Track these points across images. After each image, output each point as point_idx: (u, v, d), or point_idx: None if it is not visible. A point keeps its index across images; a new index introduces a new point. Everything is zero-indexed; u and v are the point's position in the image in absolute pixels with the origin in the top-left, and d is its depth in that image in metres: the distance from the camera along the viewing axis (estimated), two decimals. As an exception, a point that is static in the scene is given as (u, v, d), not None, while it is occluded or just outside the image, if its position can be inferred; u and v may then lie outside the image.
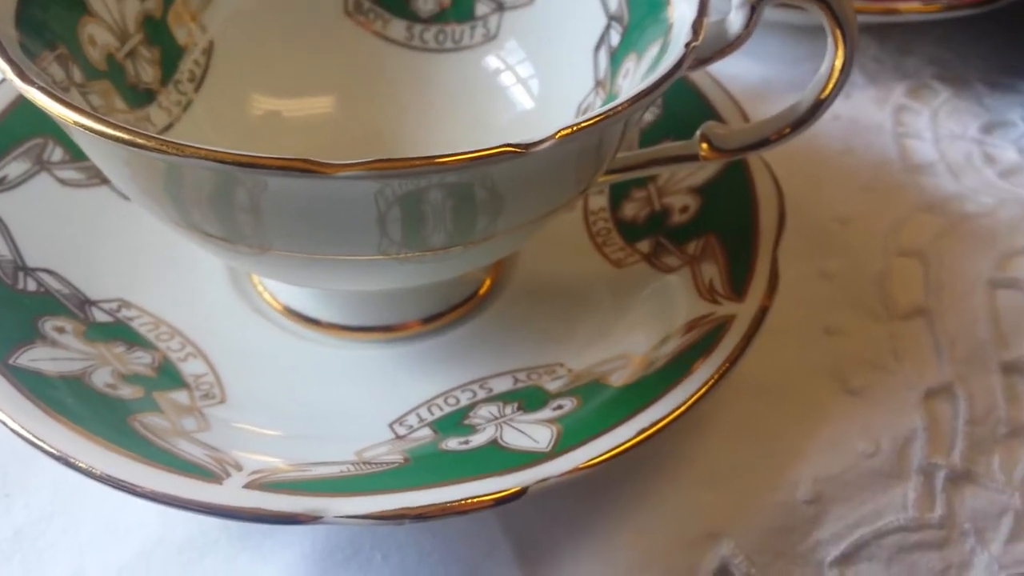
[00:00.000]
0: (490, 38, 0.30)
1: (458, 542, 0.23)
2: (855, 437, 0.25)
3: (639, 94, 0.20)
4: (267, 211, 0.19)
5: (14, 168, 0.27)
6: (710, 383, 0.23)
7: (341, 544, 0.23)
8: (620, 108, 0.19)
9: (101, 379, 0.23)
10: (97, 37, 0.25)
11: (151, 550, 0.23)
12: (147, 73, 0.26)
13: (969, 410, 0.26)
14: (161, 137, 0.17)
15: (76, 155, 0.29)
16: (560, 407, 0.23)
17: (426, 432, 0.24)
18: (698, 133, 0.26)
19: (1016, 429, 0.26)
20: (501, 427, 0.23)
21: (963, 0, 0.35)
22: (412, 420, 0.24)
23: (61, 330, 0.24)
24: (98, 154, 0.21)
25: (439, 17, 0.30)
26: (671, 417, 0.22)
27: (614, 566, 0.23)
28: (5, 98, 0.28)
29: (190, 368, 0.25)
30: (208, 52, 0.28)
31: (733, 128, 0.26)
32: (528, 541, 0.23)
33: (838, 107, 0.34)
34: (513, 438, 0.22)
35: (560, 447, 0.21)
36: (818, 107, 0.24)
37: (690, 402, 0.22)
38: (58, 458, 0.20)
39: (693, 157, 0.26)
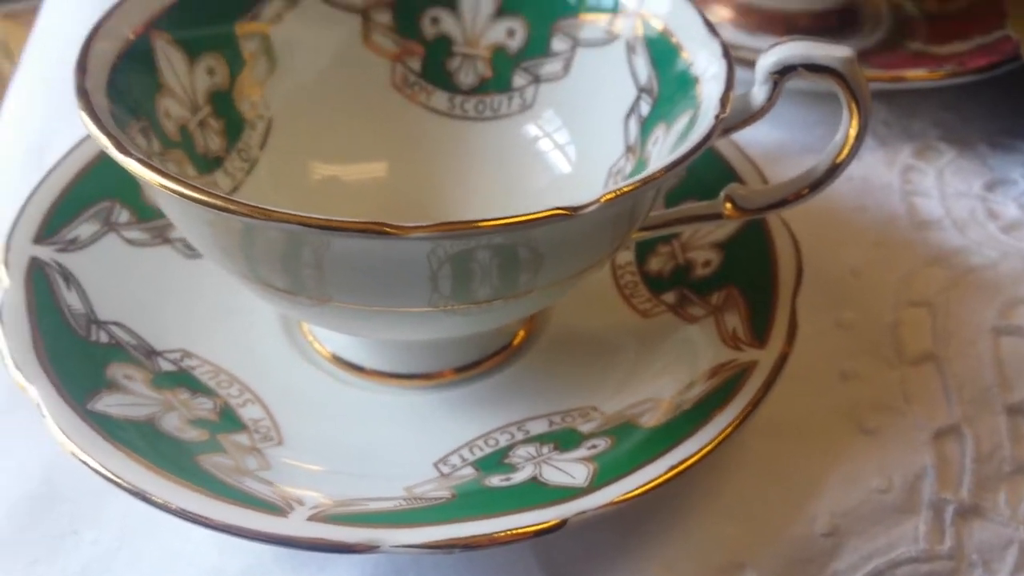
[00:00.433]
0: (526, 107, 0.32)
1: (497, 573, 0.25)
2: (870, 474, 0.27)
3: (674, 162, 0.22)
4: (331, 267, 0.22)
5: (85, 229, 0.30)
6: (735, 424, 0.24)
7: (389, 568, 0.25)
8: (658, 175, 0.22)
9: (169, 423, 0.25)
10: (171, 110, 0.27)
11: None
12: (214, 142, 0.29)
13: (976, 449, 0.28)
14: (252, 204, 0.20)
15: (141, 216, 0.31)
16: (594, 446, 0.25)
17: (469, 471, 0.26)
18: (722, 194, 0.28)
19: (1020, 467, 0.28)
20: (540, 465, 0.25)
21: (965, 67, 0.38)
22: (455, 460, 0.26)
23: (131, 378, 0.26)
24: (182, 216, 0.23)
25: (479, 89, 0.33)
26: (699, 455, 0.24)
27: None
28: (75, 164, 0.31)
29: (248, 413, 0.27)
30: (268, 122, 0.31)
31: (755, 189, 0.28)
32: (563, 573, 0.25)
33: (850, 168, 0.36)
34: (552, 475, 0.24)
35: (597, 483, 0.23)
36: (834, 170, 0.26)
37: (716, 441, 0.24)
38: (136, 494, 0.22)
39: (717, 216, 0.28)
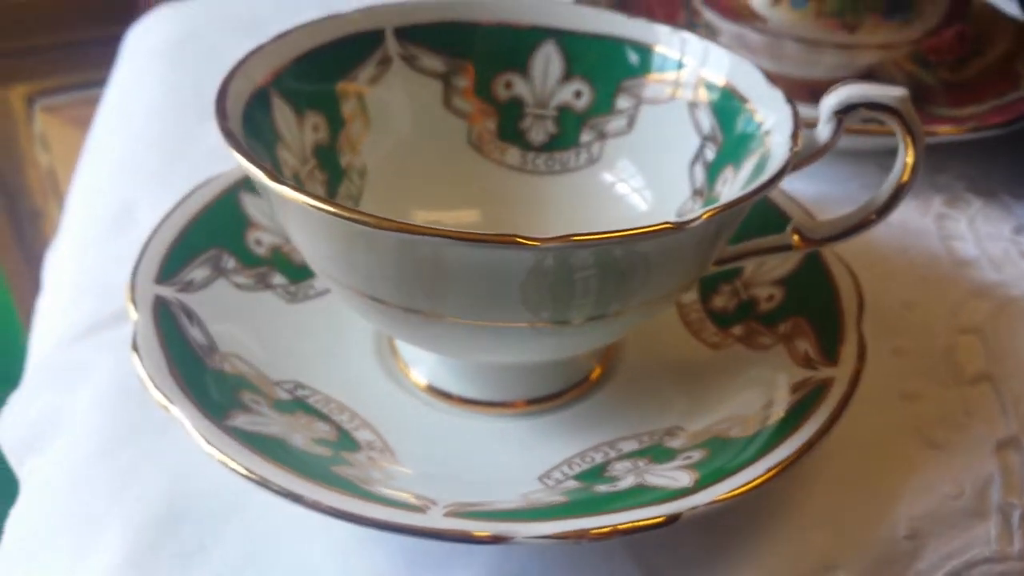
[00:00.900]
0: (593, 161, 0.35)
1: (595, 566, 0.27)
2: (941, 482, 0.29)
3: (762, 185, 0.25)
4: (452, 282, 0.24)
5: (198, 273, 0.32)
6: (824, 429, 0.26)
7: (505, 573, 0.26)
8: (750, 196, 0.24)
9: (297, 441, 0.27)
10: (287, 160, 0.30)
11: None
12: (318, 191, 0.31)
13: (1036, 459, 0.30)
14: (402, 221, 0.22)
15: (246, 263, 0.33)
16: (689, 457, 0.27)
17: (573, 483, 0.28)
18: (789, 226, 0.30)
19: (1078, 477, 0.30)
20: (642, 474, 0.27)
21: (986, 123, 0.41)
22: (557, 475, 0.28)
23: (257, 402, 0.28)
24: (316, 236, 0.25)
25: (549, 146, 0.36)
26: (796, 455, 0.26)
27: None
28: (183, 218, 0.33)
29: (362, 436, 0.29)
30: (364, 175, 0.33)
31: (821, 221, 0.31)
32: (662, 572, 0.27)
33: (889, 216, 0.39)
34: (656, 481, 0.26)
35: (701, 484, 0.25)
36: (898, 193, 0.28)
37: (810, 443, 0.26)
38: (287, 495, 0.24)
39: (787, 247, 0.30)
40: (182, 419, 0.26)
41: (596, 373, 0.32)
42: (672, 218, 0.32)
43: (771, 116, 0.30)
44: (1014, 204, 0.41)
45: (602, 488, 0.27)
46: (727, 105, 0.32)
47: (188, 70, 0.51)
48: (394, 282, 0.25)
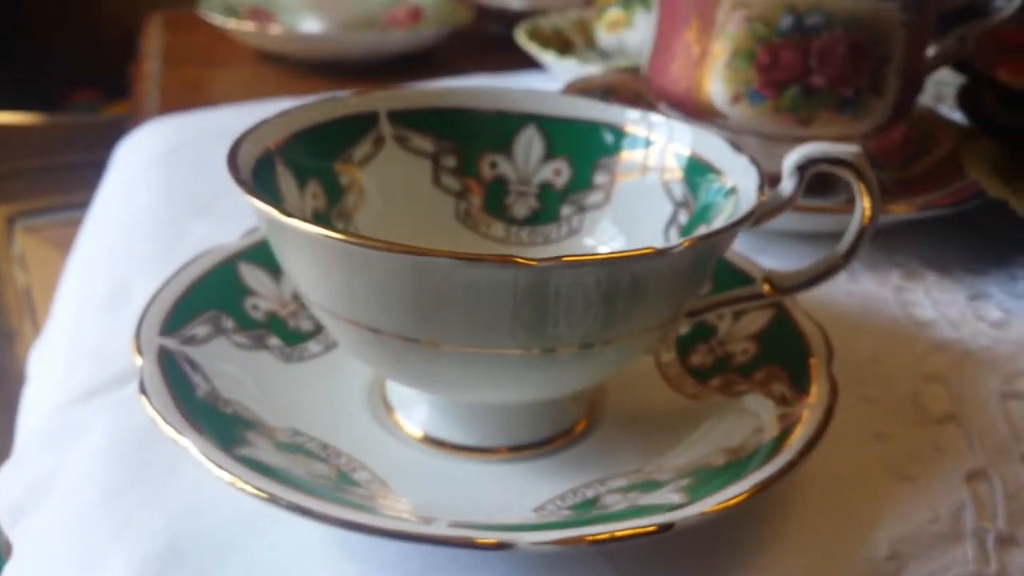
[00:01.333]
0: (573, 233, 0.38)
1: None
2: (918, 509, 0.30)
3: (734, 222, 0.27)
4: (449, 306, 0.26)
5: (200, 330, 0.33)
6: (808, 449, 0.28)
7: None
8: (724, 229, 0.27)
9: (300, 473, 0.28)
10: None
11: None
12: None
13: (1004, 488, 0.31)
14: (408, 244, 0.24)
15: (244, 326, 0.35)
16: (679, 484, 0.29)
17: (568, 512, 0.29)
18: (760, 276, 0.33)
19: (1045, 508, 0.31)
20: (634, 501, 0.28)
21: (940, 202, 0.44)
22: (551, 507, 0.29)
23: (260, 441, 0.29)
24: (322, 266, 0.27)
25: (531, 220, 0.38)
26: (784, 471, 0.27)
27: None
28: (184, 282, 0.35)
29: (360, 476, 0.30)
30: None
31: (790, 271, 0.33)
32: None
33: (848, 287, 0.42)
34: (649, 501, 0.27)
35: (692, 499, 0.27)
36: (860, 237, 0.31)
37: (795, 462, 0.27)
38: (298, 510, 0.24)
39: (759, 296, 0.33)
40: (191, 448, 0.26)
41: (581, 425, 0.34)
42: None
43: (738, 179, 0.32)
44: (967, 277, 0.44)
45: (596, 513, 0.28)
46: (695, 173, 0.35)
47: (179, 174, 0.53)
48: (395, 310, 0.26)
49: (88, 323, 0.40)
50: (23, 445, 0.35)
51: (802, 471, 0.31)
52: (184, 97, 0.68)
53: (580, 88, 0.57)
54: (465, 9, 0.84)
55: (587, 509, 0.28)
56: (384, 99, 0.37)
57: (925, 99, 0.61)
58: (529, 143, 0.38)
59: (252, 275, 0.37)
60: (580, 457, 0.32)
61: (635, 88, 0.56)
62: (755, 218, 0.30)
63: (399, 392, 0.34)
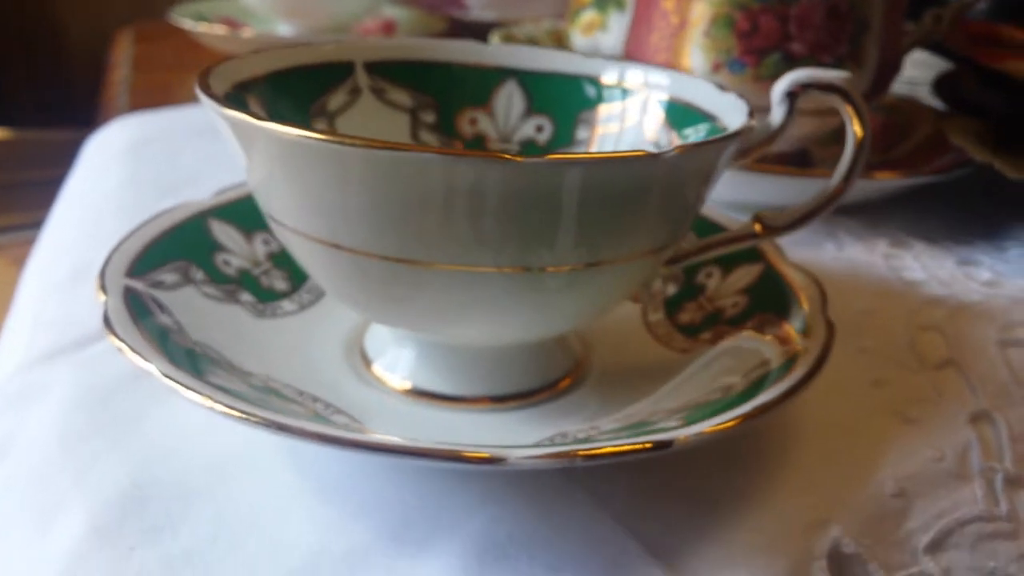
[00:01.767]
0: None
1: (592, 544, 0.26)
2: (922, 448, 0.29)
3: (727, 135, 0.26)
4: (431, 211, 0.24)
5: (168, 277, 0.32)
6: (809, 376, 0.27)
7: (489, 545, 0.25)
8: (719, 139, 0.26)
9: (274, 405, 0.26)
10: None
11: (316, 560, 0.25)
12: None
13: (1009, 430, 0.30)
14: (390, 141, 0.23)
15: (214, 279, 0.33)
16: (674, 419, 0.27)
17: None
18: (752, 216, 0.32)
19: (1052, 452, 0.30)
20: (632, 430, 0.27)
21: (924, 171, 0.44)
22: (548, 444, 0.28)
23: (230, 379, 0.28)
24: (302, 177, 0.25)
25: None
26: (784, 397, 0.25)
27: (738, 551, 0.25)
28: (152, 232, 0.33)
29: (337, 419, 0.28)
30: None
31: (781, 212, 0.32)
32: (653, 540, 0.26)
33: (835, 253, 0.41)
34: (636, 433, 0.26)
35: (689, 422, 0.25)
36: (853, 169, 0.30)
37: (796, 389, 0.26)
38: (274, 425, 0.23)
39: (751, 235, 0.32)
40: (156, 372, 0.25)
41: (567, 381, 0.32)
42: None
43: (726, 116, 0.31)
44: (955, 247, 0.43)
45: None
46: (680, 117, 0.34)
47: (148, 163, 0.51)
48: (373, 222, 0.24)
49: (52, 296, 0.38)
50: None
51: (800, 420, 0.30)
52: (154, 100, 0.67)
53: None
54: (438, 22, 0.83)
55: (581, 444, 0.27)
56: (361, 49, 0.36)
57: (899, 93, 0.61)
58: (510, 98, 0.37)
59: (223, 232, 0.35)
60: (568, 407, 0.31)
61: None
62: (747, 146, 0.29)
63: (379, 344, 0.32)
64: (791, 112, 0.30)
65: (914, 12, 0.50)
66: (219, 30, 0.70)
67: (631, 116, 0.35)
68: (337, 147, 0.23)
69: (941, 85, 0.55)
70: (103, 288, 0.29)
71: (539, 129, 0.37)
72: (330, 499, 0.27)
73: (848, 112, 0.30)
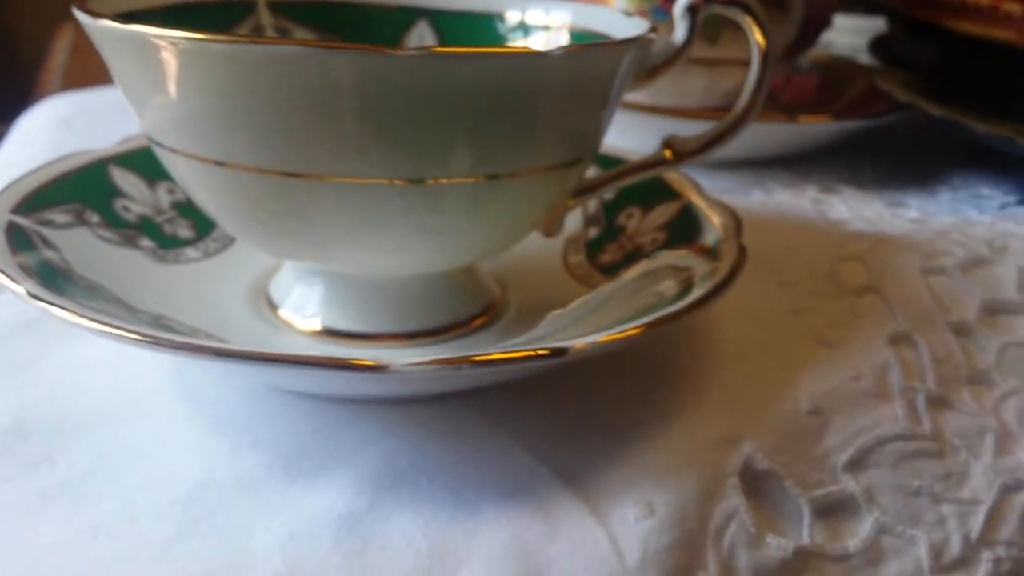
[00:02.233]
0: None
1: (499, 470, 0.24)
2: (840, 368, 0.28)
3: (619, 41, 0.25)
4: (315, 116, 0.23)
5: (59, 217, 0.30)
6: (718, 290, 0.26)
7: (386, 472, 0.24)
8: (613, 43, 0.25)
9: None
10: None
11: (202, 489, 0.23)
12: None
13: (931, 352, 0.29)
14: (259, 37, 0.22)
15: (111, 223, 0.32)
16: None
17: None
18: (661, 142, 0.31)
19: (975, 375, 0.29)
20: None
21: (855, 114, 0.43)
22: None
23: (114, 309, 0.26)
24: (182, 87, 0.23)
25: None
26: (686, 310, 0.25)
27: (648, 466, 0.24)
28: (48, 174, 0.32)
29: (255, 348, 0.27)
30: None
31: (690, 136, 0.31)
32: (562, 464, 0.25)
33: (763, 199, 0.40)
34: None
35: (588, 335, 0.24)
36: (759, 87, 0.29)
37: (700, 302, 0.25)
38: (148, 340, 0.22)
39: (661, 162, 0.31)
40: (22, 293, 0.23)
41: (481, 320, 0.31)
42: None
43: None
44: (884, 191, 0.42)
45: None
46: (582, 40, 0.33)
47: (73, 137, 0.50)
48: (255, 132, 0.23)
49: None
50: None
51: (719, 347, 0.29)
52: (88, 82, 0.65)
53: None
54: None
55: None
56: (264, -11, 0.35)
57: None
58: (421, 39, 0.36)
59: (124, 179, 0.34)
60: (480, 343, 0.30)
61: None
62: (647, 64, 0.29)
63: (285, 287, 0.31)
64: (693, 28, 0.29)
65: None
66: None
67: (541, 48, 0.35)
68: (203, 45, 0.22)
69: (876, 45, 0.54)
70: (-17, 223, 0.28)
71: None
72: (222, 433, 0.25)
73: (749, 24, 0.29)
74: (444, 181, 0.24)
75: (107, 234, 0.31)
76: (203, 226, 0.34)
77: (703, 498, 0.24)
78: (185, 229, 0.34)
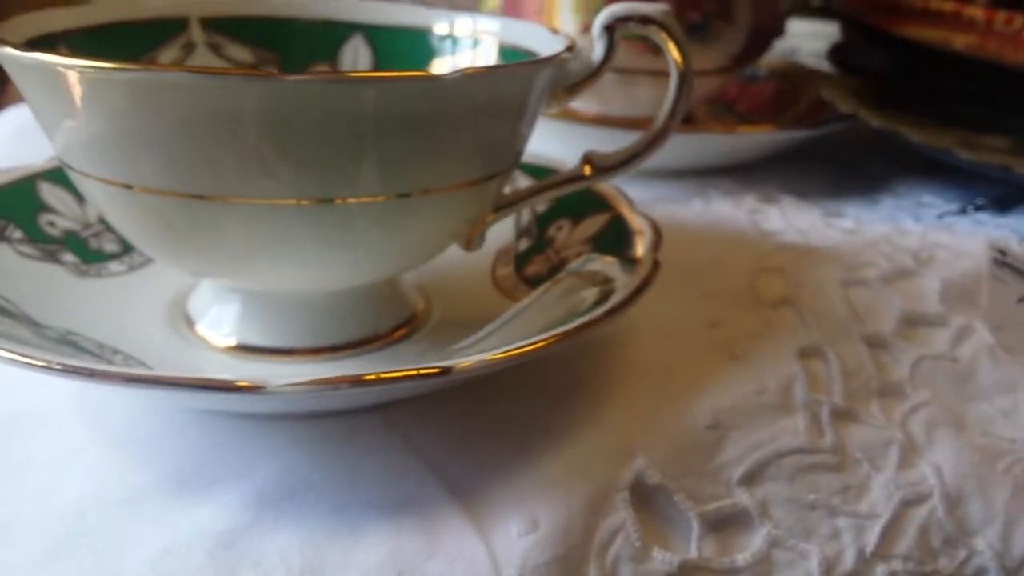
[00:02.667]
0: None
1: (388, 480, 0.25)
2: (744, 382, 0.28)
3: (529, 63, 0.25)
4: (227, 140, 0.23)
5: (-23, 234, 0.31)
6: (619, 308, 0.26)
7: (276, 487, 0.24)
8: (516, 66, 0.25)
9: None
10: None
11: (89, 505, 0.23)
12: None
13: (841, 365, 0.29)
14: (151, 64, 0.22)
15: (34, 238, 0.32)
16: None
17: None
18: (581, 157, 0.31)
19: (886, 387, 0.29)
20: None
21: (796, 124, 0.43)
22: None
23: (14, 326, 0.26)
24: (88, 112, 0.24)
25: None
26: (579, 329, 0.25)
27: (539, 479, 0.24)
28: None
29: (135, 371, 0.27)
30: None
31: (610, 152, 0.31)
32: (454, 476, 0.25)
33: (701, 209, 0.40)
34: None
35: (479, 351, 0.24)
36: (676, 106, 0.29)
37: (595, 321, 0.25)
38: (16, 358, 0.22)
39: (580, 177, 0.31)
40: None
41: (401, 332, 0.31)
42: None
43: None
44: (824, 200, 0.42)
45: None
46: (513, 61, 0.33)
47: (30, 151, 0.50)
48: (160, 155, 0.23)
49: None
50: None
51: (628, 360, 0.29)
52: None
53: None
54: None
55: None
56: (196, 5, 0.35)
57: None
58: (355, 53, 0.36)
59: (53, 194, 0.34)
60: (395, 355, 0.30)
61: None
62: (565, 83, 0.29)
63: (202, 304, 0.31)
64: (611, 47, 0.29)
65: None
66: None
67: (471, 64, 0.35)
68: (105, 73, 0.22)
69: (833, 52, 0.54)
70: None
71: None
72: (116, 450, 0.26)
73: (666, 43, 0.29)
74: (352, 200, 0.25)
75: (28, 249, 0.32)
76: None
77: (590, 512, 0.24)
78: (112, 243, 0.34)
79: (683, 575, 0.24)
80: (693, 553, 0.24)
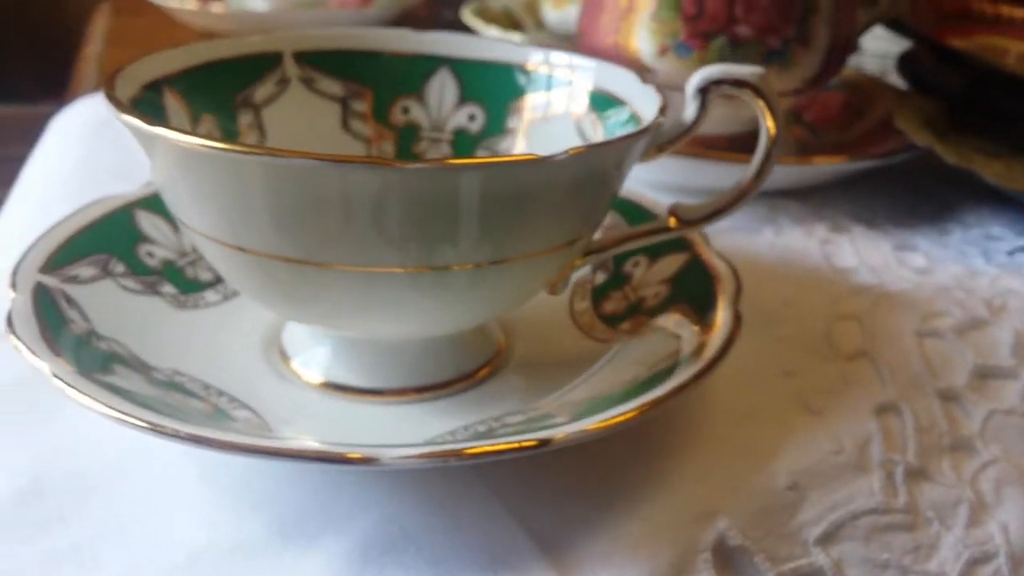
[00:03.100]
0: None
1: (483, 537, 0.26)
2: (822, 440, 0.29)
3: (626, 136, 0.26)
4: (337, 215, 0.24)
5: (84, 271, 0.32)
6: (701, 373, 0.27)
7: (379, 540, 0.26)
8: (615, 141, 0.26)
9: (172, 401, 0.27)
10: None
11: (201, 554, 0.25)
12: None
13: (915, 421, 0.30)
14: (275, 148, 0.23)
15: (136, 271, 0.34)
16: (571, 414, 0.27)
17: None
18: (666, 208, 0.32)
19: (957, 442, 0.30)
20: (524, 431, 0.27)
21: (866, 153, 0.43)
22: (439, 440, 0.28)
23: (130, 374, 0.28)
24: (207, 185, 0.25)
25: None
26: (670, 395, 0.26)
27: (624, 543, 0.26)
28: (74, 225, 0.33)
29: (240, 414, 0.29)
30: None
31: (696, 204, 0.32)
32: (544, 532, 0.26)
33: (772, 239, 0.41)
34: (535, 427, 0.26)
35: (576, 418, 0.25)
36: (765, 163, 0.30)
37: (685, 385, 0.26)
38: (148, 425, 0.23)
39: (664, 229, 0.32)
40: (44, 368, 0.25)
41: (485, 371, 0.32)
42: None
43: (641, 108, 0.31)
44: (895, 230, 0.43)
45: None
46: (602, 107, 0.34)
47: (106, 145, 0.52)
48: (274, 226, 0.25)
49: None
50: None
51: (708, 408, 0.30)
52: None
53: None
54: (416, -5, 0.83)
55: (477, 440, 0.27)
56: (290, 40, 0.36)
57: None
58: (442, 87, 0.37)
59: (150, 223, 0.36)
60: (480, 398, 0.31)
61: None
62: (657, 142, 0.30)
63: (296, 339, 0.32)
64: (704, 108, 0.30)
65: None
66: (190, 4, 0.70)
67: (558, 104, 0.36)
68: (231, 155, 0.23)
69: (903, 63, 0.54)
70: (13, 285, 0.29)
71: (471, 118, 0.37)
72: (227, 496, 0.27)
73: (760, 108, 0.30)
74: (455, 268, 0.26)
75: (130, 283, 0.33)
76: (224, 268, 0.35)
77: (674, 572, 0.25)
78: (206, 271, 0.35)
79: (763, 635, 0.25)
80: (772, 614, 0.25)
